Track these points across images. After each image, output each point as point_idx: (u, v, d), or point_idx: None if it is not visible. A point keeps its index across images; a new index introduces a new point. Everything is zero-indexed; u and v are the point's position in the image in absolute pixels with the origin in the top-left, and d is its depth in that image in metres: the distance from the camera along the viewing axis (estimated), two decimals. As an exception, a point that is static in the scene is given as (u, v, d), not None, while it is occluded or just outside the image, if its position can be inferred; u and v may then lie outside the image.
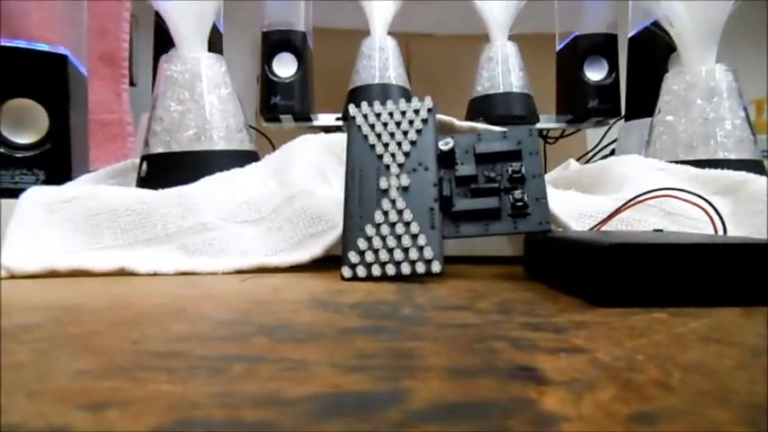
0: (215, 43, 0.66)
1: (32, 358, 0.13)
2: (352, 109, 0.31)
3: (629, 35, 0.65)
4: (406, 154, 0.29)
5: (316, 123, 0.69)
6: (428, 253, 0.26)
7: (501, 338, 0.15)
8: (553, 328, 0.16)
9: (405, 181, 0.28)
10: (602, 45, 0.67)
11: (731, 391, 0.11)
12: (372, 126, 0.30)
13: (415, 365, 0.12)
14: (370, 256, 0.27)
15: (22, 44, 0.46)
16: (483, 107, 0.64)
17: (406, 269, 0.26)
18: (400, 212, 0.27)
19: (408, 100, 0.30)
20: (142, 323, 0.17)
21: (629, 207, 0.31)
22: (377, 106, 0.30)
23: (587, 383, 0.11)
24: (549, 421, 0.09)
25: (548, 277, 0.26)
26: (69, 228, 0.32)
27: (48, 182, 0.45)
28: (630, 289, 0.20)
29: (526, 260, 0.29)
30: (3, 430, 0.09)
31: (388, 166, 0.29)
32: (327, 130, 0.68)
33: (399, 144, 0.29)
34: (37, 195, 0.33)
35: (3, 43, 0.46)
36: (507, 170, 0.28)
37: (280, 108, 0.64)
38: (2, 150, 0.45)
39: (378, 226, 0.27)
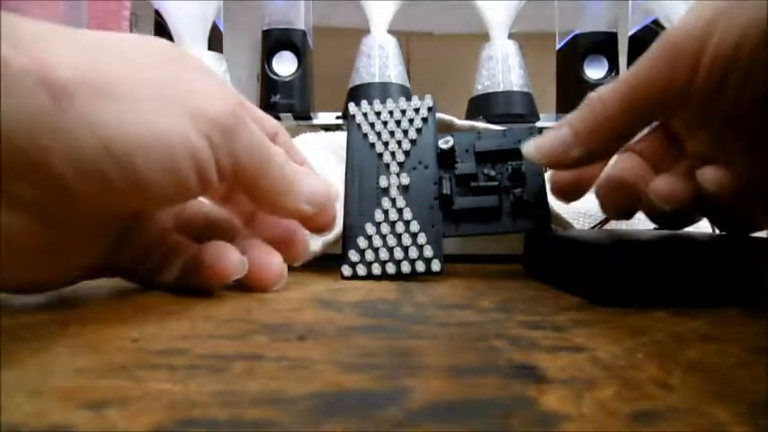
0: (215, 42, 0.66)
1: (33, 357, 0.13)
2: (351, 108, 0.31)
3: (630, 33, 0.65)
4: (406, 152, 0.29)
5: (316, 122, 0.69)
6: (428, 252, 0.26)
7: (501, 337, 0.15)
8: (553, 327, 0.16)
9: (405, 179, 0.28)
10: (603, 43, 0.67)
11: (731, 389, 0.11)
12: (372, 125, 0.30)
13: (415, 364, 0.13)
14: (370, 255, 0.27)
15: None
16: (483, 106, 0.64)
17: (405, 268, 0.26)
18: (400, 211, 0.27)
19: (408, 98, 0.30)
20: (142, 321, 0.17)
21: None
22: (377, 105, 0.30)
23: (587, 382, 0.11)
24: (549, 420, 0.09)
25: (548, 276, 0.26)
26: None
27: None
28: (630, 288, 0.20)
29: (526, 259, 0.29)
30: (3, 429, 0.09)
31: (387, 165, 0.29)
32: (327, 128, 0.67)
33: (399, 143, 0.29)
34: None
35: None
36: (507, 169, 0.28)
37: (280, 106, 0.64)
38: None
39: (378, 224, 0.27)
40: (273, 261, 0.23)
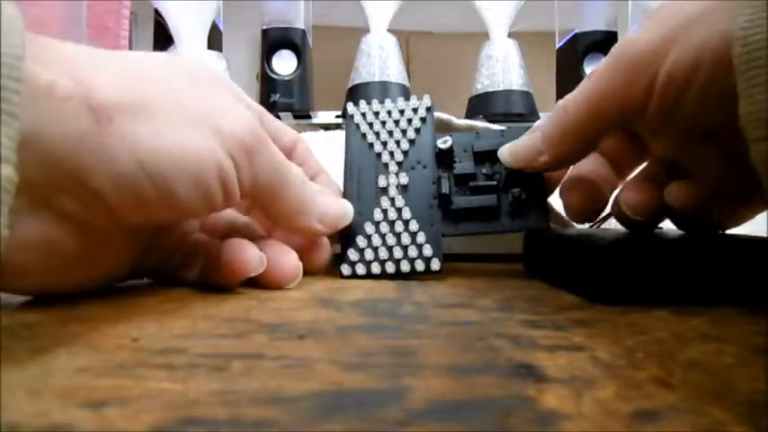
0: (215, 41, 0.66)
1: (33, 356, 0.13)
2: (350, 107, 0.31)
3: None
4: (405, 152, 0.29)
5: (315, 121, 0.69)
6: (427, 251, 0.26)
7: (501, 336, 0.15)
8: (553, 326, 0.16)
9: (403, 179, 0.28)
10: (602, 42, 0.67)
11: (731, 388, 0.11)
12: (371, 124, 0.30)
13: (415, 363, 0.12)
14: (369, 254, 0.27)
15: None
16: (482, 105, 0.64)
17: (405, 267, 0.26)
18: (399, 210, 0.27)
19: (407, 98, 0.30)
20: (142, 321, 0.17)
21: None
22: (375, 105, 0.30)
23: (587, 381, 0.11)
24: (549, 419, 0.09)
25: (547, 275, 0.26)
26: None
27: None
28: (630, 286, 0.20)
29: (525, 258, 0.29)
30: (3, 429, 0.09)
31: (386, 165, 0.29)
32: (327, 127, 0.67)
33: (398, 142, 0.29)
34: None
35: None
36: (506, 168, 0.28)
37: (279, 105, 0.64)
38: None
39: (377, 224, 0.27)
40: (289, 259, 0.23)
